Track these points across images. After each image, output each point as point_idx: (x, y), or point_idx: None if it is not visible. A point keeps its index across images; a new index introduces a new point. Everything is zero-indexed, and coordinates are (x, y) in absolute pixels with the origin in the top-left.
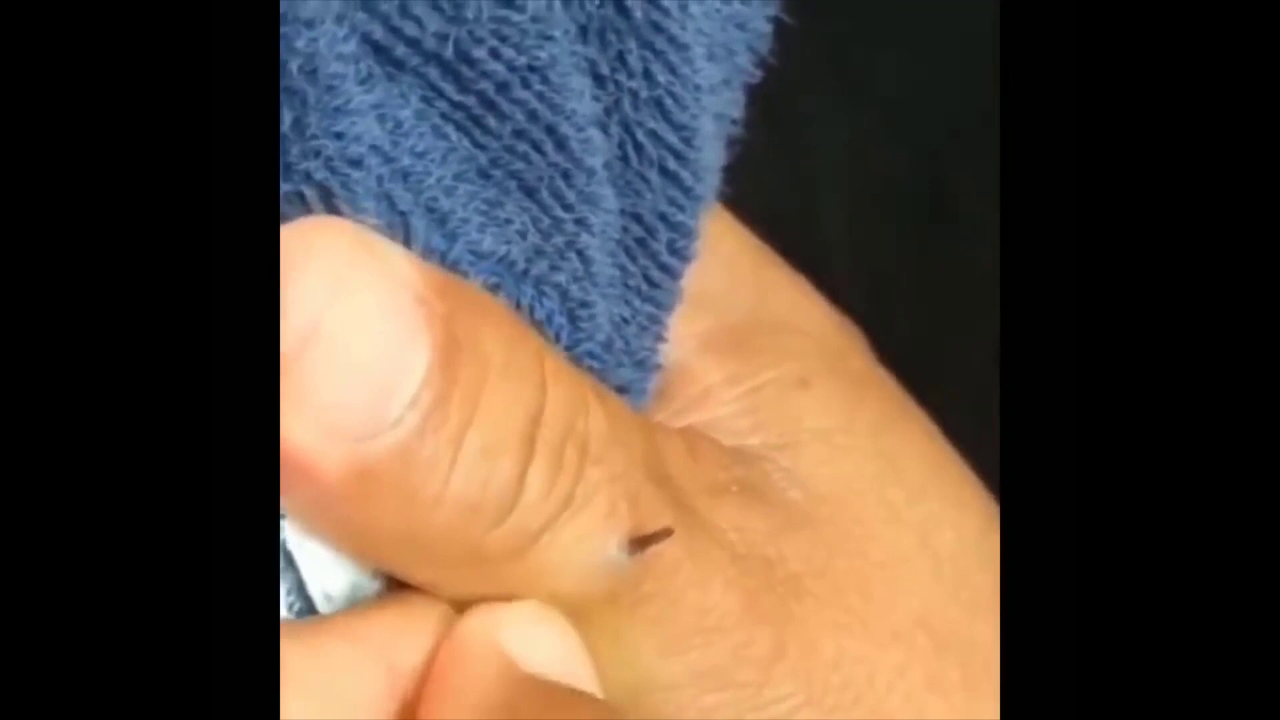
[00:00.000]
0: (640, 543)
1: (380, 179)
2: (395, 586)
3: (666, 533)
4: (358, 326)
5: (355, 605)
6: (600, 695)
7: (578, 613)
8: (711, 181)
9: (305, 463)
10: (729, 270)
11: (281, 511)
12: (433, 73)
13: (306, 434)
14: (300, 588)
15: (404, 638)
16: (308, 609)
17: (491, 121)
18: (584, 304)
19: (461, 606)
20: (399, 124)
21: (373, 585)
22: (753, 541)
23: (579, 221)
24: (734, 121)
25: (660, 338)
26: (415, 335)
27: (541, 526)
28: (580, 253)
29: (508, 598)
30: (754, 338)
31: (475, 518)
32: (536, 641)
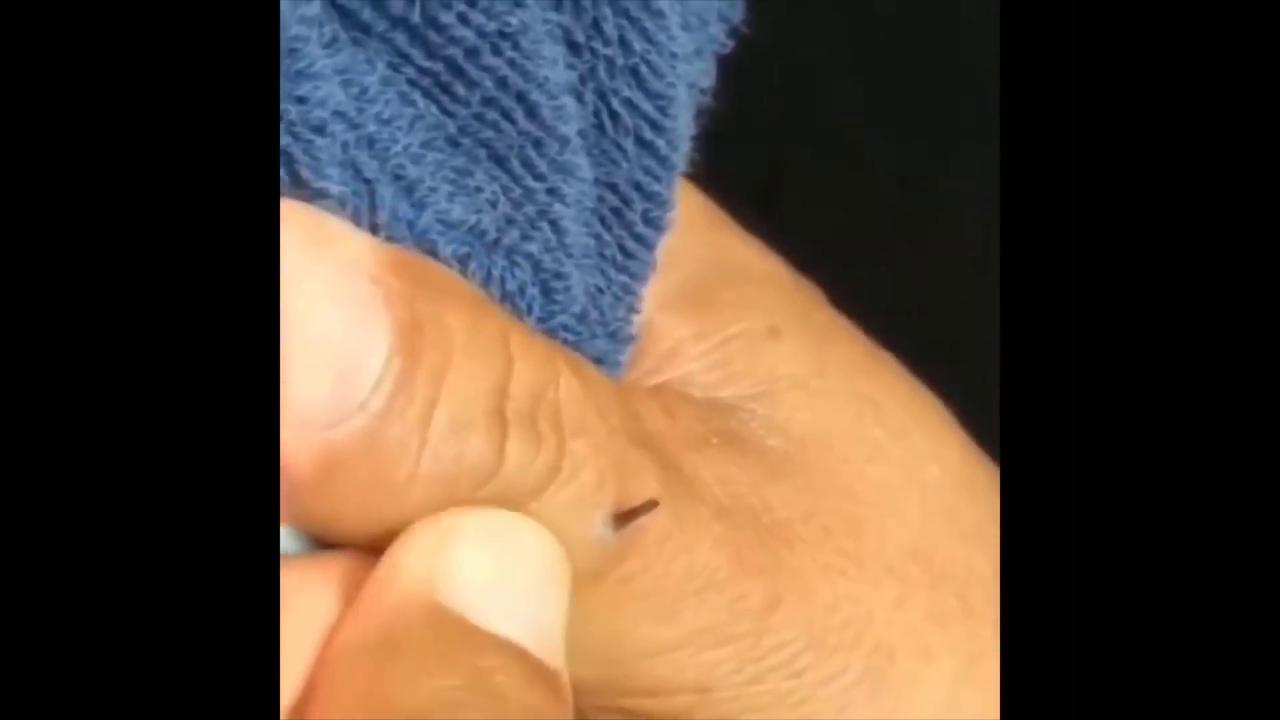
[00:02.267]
0: (625, 517)
1: (345, 146)
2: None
3: (652, 505)
4: (314, 315)
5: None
6: (553, 630)
7: None
8: (684, 150)
9: None
10: (686, 228)
11: None
12: (400, 38)
13: None
14: None
15: (363, 566)
16: None
17: (460, 88)
18: (558, 275)
19: None
20: (364, 90)
21: (296, 545)
22: (737, 493)
23: (551, 191)
24: (703, 91)
25: (633, 309)
26: (374, 318)
27: (522, 501)
28: (553, 223)
29: None
30: (719, 292)
31: (450, 496)
32: (474, 565)
